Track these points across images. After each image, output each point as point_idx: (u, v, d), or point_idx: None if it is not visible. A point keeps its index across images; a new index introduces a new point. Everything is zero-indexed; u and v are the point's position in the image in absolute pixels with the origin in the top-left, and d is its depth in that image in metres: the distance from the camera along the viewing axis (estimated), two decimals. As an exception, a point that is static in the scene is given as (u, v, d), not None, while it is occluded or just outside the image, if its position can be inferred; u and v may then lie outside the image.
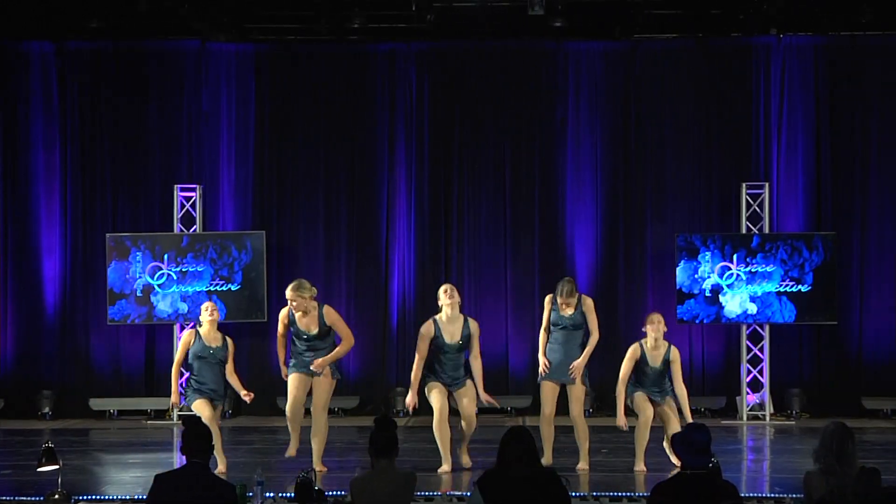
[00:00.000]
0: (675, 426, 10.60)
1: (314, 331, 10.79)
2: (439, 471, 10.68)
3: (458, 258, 15.72)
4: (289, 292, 10.78)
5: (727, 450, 12.34)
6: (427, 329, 10.90)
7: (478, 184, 15.83)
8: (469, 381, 10.95)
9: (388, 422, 6.78)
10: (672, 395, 10.90)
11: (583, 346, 10.99)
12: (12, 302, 15.69)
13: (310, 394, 10.89)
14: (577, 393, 10.93)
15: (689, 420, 10.54)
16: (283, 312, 10.96)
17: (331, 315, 10.84)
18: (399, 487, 6.66)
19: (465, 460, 10.98)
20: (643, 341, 10.93)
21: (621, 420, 10.83)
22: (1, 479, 10.73)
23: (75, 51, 15.83)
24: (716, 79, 15.77)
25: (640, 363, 10.88)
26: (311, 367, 10.68)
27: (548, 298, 11.11)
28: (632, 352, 10.94)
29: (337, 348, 10.84)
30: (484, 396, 10.97)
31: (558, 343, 10.96)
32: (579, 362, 10.87)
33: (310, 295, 10.78)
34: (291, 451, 10.94)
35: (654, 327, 10.88)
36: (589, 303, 11.10)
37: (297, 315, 10.81)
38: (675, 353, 10.94)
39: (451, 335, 10.84)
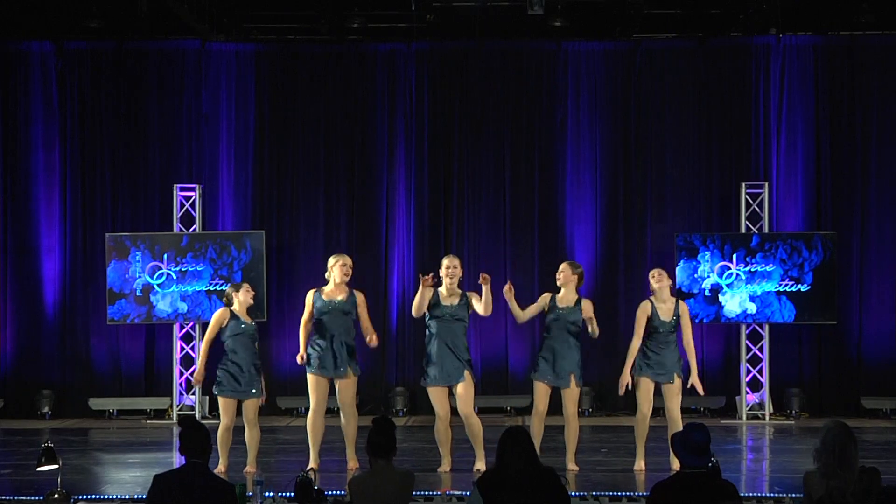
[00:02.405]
0: (675, 422, 10.59)
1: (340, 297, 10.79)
2: (439, 470, 10.66)
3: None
4: (338, 258, 10.92)
5: (727, 449, 12.34)
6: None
7: (477, 184, 15.83)
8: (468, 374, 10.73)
9: (387, 422, 6.78)
10: (679, 370, 10.78)
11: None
12: (12, 302, 15.70)
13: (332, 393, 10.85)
14: (573, 393, 10.87)
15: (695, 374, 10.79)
16: (310, 296, 10.92)
17: (360, 298, 10.89)
18: (397, 487, 6.67)
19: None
20: (651, 298, 10.90)
21: (625, 379, 10.72)
22: (1, 479, 10.73)
23: (75, 51, 15.84)
24: (716, 78, 15.78)
25: (651, 320, 10.78)
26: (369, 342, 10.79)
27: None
28: (642, 309, 10.86)
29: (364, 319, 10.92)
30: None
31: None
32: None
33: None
34: (315, 462, 10.63)
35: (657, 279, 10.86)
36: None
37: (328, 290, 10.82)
38: (683, 307, 10.93)
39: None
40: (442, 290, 10.78)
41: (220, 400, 10.68)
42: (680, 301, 11.03)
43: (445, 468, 10.67)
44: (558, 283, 10.92)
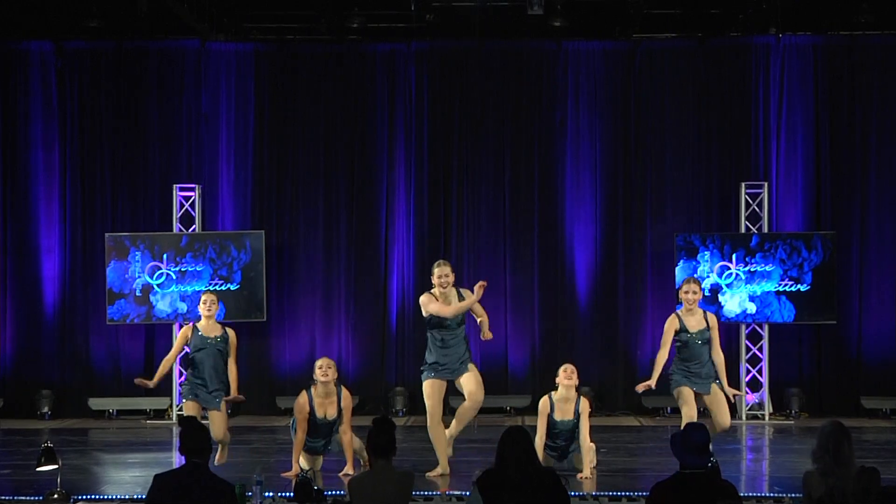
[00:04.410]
0: (723, 419, 10.38)
1: (332, 416, 10.42)
2: (436, 472, 10.57)
3: (457, 258, 15.69)
4: (323, 361, 10.41)
5: (726, 449, 12.33)
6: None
7: (477, 184, 15.83)
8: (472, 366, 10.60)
9: (387, 422, 6.79)
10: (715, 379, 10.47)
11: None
12: (12, 302, 15.70)
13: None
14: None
15: (726, 385, 10.37)
16: (302, 401, 10.42)
17: (347, 399, 10.48)
18: (397, 487, 6.67)
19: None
20: (679, 311, 10.54)
21: (646, 385, 10.32)
22: (1, 479, 10.73)
23: (75, 50, 15.84)
24: (715, 78, 15.78)
25: (680, 332, 10.40)
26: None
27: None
28: (669, 323, 10.45)
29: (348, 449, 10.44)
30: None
31: None
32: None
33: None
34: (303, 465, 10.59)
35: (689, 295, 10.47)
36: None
37: (318, 400, 10.37)
38: (713, 321, 10.52)
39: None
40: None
41: (184, 403, 10.58)
42: (708, 313, 10.65)
43: (440, 471, 10.50)
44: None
